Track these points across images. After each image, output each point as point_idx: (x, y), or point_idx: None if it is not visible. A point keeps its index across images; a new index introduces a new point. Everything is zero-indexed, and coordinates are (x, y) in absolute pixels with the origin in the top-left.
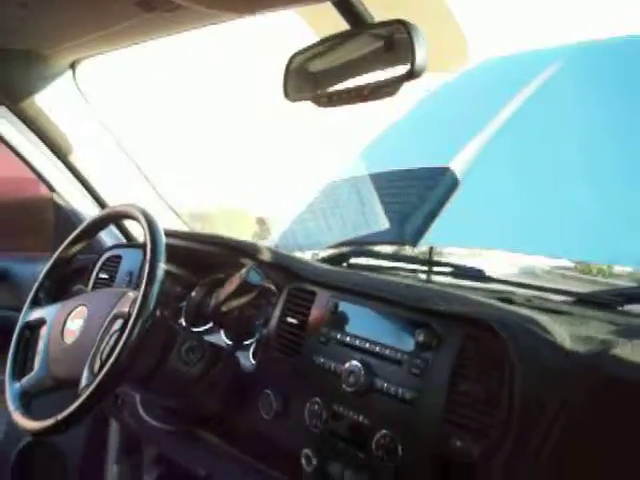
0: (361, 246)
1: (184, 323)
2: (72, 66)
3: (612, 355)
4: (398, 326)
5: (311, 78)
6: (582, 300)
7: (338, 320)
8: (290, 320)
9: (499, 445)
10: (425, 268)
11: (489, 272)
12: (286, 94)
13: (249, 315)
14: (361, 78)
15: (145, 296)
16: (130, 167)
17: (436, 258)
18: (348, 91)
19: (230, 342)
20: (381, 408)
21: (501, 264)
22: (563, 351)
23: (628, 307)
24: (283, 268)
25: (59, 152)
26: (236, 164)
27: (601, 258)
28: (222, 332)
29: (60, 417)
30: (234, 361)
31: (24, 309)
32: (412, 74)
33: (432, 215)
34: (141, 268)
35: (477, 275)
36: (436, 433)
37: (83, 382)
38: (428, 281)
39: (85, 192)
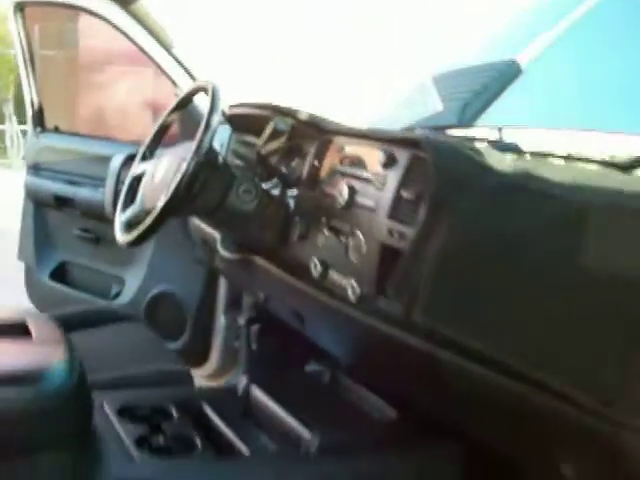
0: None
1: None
2: None
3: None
4: (376, 155)
5: None
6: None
7: (341, 158)
8: (316, 164)
9: (421, 235)
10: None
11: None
12: None
13: (286, 160)
14: None
15: (200, 140)
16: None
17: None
18: None
19: (277, 188)
20: (357, 217)
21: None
22: (480, 167)
23: None
24: (314, 124)
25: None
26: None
27: None
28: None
29: (137, 234)
30: (283, 203)
31: (134, 163)
32: None
33: (490, 100)
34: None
35: (509, 147)
36: (385, 229)
37: (157, 206)
38: None
39: None
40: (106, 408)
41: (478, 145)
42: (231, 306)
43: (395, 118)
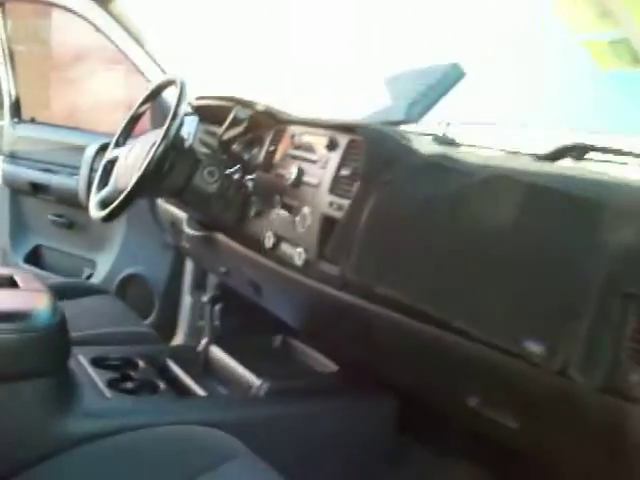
0: None
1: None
2: None
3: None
4: (321, 140)
5: None
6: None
7: (293, 144)
8: (271, 149)
9: (354, 205)
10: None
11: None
12: None
13: (247, 148)
14: None
15: (168, 127)
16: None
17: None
18: None
19: (238, 173)
20: (304, 194)
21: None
22: (405, 149)
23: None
24: (270, 114)
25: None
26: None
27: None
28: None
29: (109, 210)
30: (242, 185)
31: (108, 149)
32: None
33: (436, 99)
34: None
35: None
36: (326, 202)
37: (128, 187)
38: None
39: None
40: (80, 358)
41: (408, 134)
42: (196, 286)
43: (352, 114)
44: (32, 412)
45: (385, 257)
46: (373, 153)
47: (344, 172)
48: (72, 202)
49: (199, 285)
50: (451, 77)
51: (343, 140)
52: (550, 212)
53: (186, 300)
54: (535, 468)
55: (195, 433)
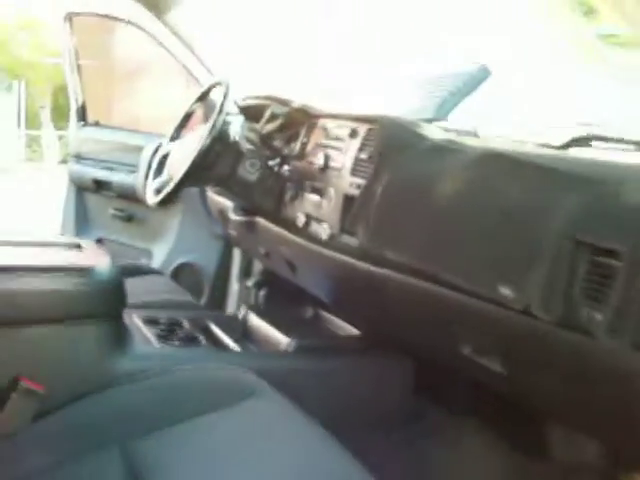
0: None
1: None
2: None
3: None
4: (345, 130)
5: None
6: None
7: (322, 134)
8: (304, 141)
9: (369, 184)
10: None
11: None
12: None
13: (285, 141)
14: None
15: (215, 121)
16: None
17: None
18: None
19: (276, 164)
20: (330, 177)
21: None
22: (415, 135)
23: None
24: (303, 110)
25: None
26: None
27: None
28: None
29: (163, 195)
30: (280, 174)
31: (163, 144)
32: None
33: (461, 98)
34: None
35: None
36: (347, 183)
37: (179, 175)
38: None
39: None
40: (134, 317)
41: (419, 123)
42: (244, 273)
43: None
44: (92, 350)
45: (394, 226)
46: (386, 138)
47: (362, 156)
48: (131, 197)
49: (246, 272)
50: (477, 78)
51: (362, 129)
52: (522, 179)
53: (234, 286)
54: (536, 422)
55: (225, 373)
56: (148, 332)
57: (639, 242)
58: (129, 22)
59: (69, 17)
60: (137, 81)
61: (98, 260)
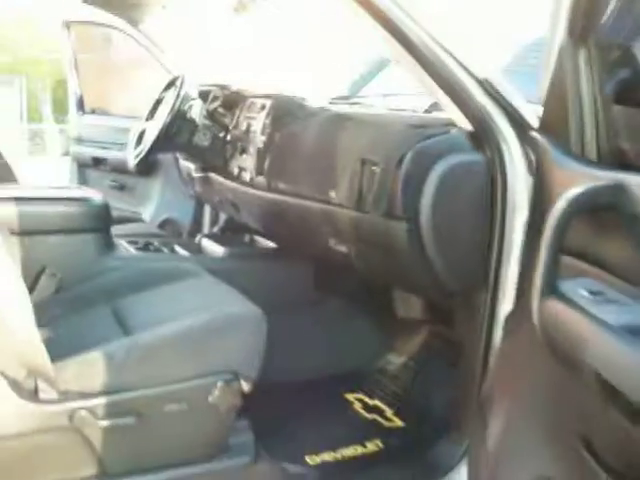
0: None
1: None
2: None
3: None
4: (259, 105)
5: None
6: None
7: (248, 109)
8: (238, 115)
9: (268, 138)
10: None
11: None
12: None
13: (227, 116)
14: None
15: (172, 105)
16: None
17: None
18: None
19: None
20: (251, 138)
21: None
22: (299, 105)
23: None
24: (236, 92)
25: None
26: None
27: None
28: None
29: (139, 159)
30: (224, 139)
31: (141, 124)
32: None
33: (369, 79)
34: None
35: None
36: (260, 140)
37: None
38: None
39: None
40: (121, 241)
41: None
42: (211, 223)
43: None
44: (90, 250)
45: (282, 165)
46: (278, 108)
47: (267, 121)
48: (123, 170)
49: (213, 222)
50: (380, 65)
51: (268, 103)
52: (345, 128)
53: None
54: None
55: (177, 264)
56: (129, 247)
57: (389, 155)
58: (115, 28)
59: (67, 25)
60: (128, 73)
61: (92, 195)
